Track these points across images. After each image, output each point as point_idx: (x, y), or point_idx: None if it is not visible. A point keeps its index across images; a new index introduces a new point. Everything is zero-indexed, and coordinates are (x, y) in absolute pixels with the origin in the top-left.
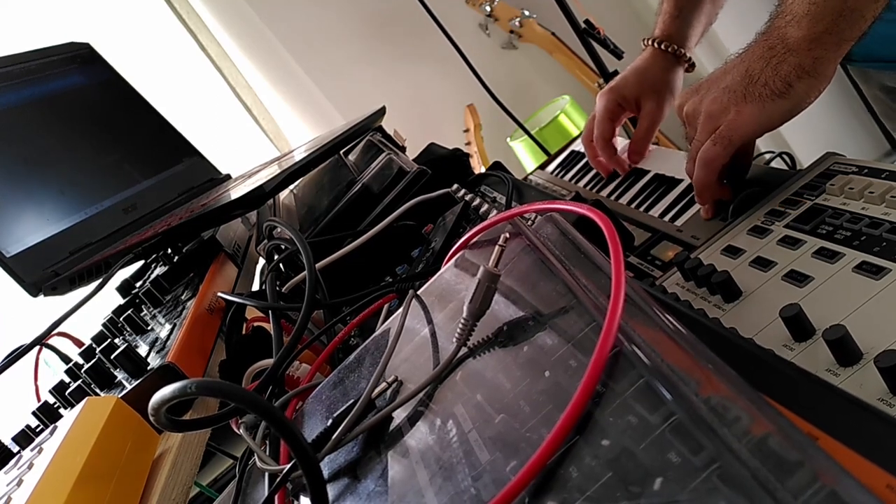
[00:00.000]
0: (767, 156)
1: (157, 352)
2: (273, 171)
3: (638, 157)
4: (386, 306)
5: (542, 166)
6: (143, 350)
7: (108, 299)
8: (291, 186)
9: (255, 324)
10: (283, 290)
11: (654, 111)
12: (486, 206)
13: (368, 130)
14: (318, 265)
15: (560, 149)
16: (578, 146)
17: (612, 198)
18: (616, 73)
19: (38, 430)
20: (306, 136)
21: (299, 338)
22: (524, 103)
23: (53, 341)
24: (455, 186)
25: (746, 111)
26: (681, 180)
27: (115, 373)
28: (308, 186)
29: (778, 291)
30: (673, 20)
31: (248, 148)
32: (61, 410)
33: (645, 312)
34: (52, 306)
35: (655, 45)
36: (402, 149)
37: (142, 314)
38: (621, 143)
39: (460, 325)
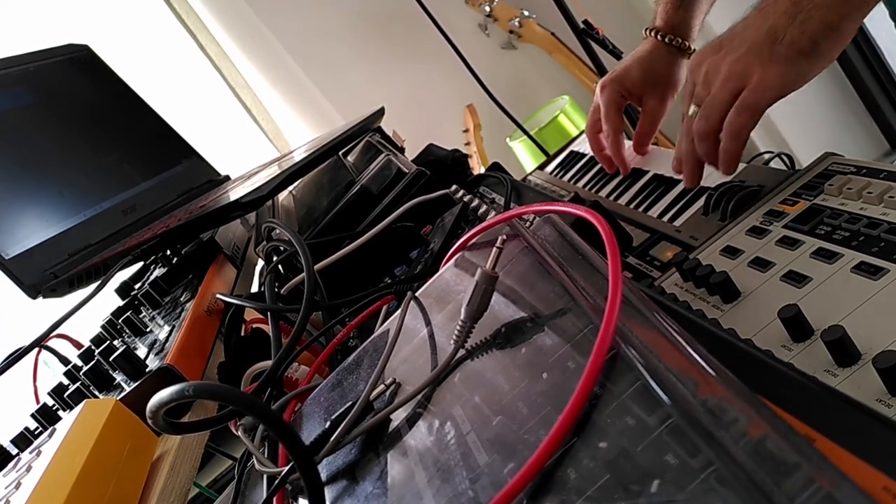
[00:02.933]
0: (766, 156)
1: (156, 353)
2: (272, 172)
3: (642, 148)
4: (384, 308)
5: (542, 167)
6: (141, 352)
7: (107, 301)
8: (290, 187)
9: (254, 325)
10: (282, 291)
11: (657, 108)
12: (484, 208)
13: (367, 131)
14: (316, 267)
15: (559, 149)
16: (577, 146)
17: (611, 198)
18: None
19: (36, 432)
20: (306, 137)
21: (298, 339)
22: (523, 103)
23: (52, 343)
24: (454, 187)
25: (772, 73)
26: (679, 180)
27: (114, 375)
28: (307, 187)
29: (776, 292)
30: (675, 10)
31: (248, 148)
32: (60, 412)
33: (642, 314)
34: (51, 308)
35: (659, 37)
36: (401, 149)
37: (141, 316)
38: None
39: (458, 327)
